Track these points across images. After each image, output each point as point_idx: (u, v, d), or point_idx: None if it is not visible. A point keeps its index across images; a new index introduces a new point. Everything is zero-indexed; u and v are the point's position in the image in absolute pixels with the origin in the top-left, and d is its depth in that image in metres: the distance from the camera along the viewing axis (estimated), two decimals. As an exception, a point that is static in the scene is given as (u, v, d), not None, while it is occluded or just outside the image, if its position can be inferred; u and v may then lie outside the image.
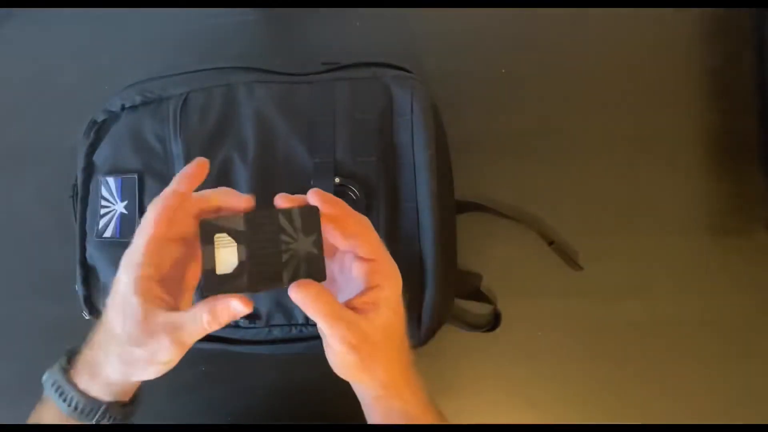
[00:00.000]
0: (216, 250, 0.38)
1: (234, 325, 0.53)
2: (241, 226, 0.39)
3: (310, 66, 0.55)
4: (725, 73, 0.64)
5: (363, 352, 0.39)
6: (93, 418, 0.41)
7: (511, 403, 0.62)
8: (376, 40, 0.66)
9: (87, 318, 0.55)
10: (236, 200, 0.39)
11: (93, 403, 0.41)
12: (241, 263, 0.38)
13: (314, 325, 0.52)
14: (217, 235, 0.38)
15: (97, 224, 0.54)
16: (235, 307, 0.37)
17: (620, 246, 0.62)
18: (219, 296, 0.37)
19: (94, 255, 0.54)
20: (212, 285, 0.38)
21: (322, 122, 0.52)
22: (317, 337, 0.53)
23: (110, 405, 0.41)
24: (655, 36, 0.64)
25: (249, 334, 0.53)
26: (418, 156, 0.52)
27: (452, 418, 0.61)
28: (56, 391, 0.41)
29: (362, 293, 0.40)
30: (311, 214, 0.39)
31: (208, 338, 0.53)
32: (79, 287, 0.54)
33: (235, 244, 0.38)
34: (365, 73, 0.54)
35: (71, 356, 0.43)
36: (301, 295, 0.37)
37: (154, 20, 0.67)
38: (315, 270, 0.39)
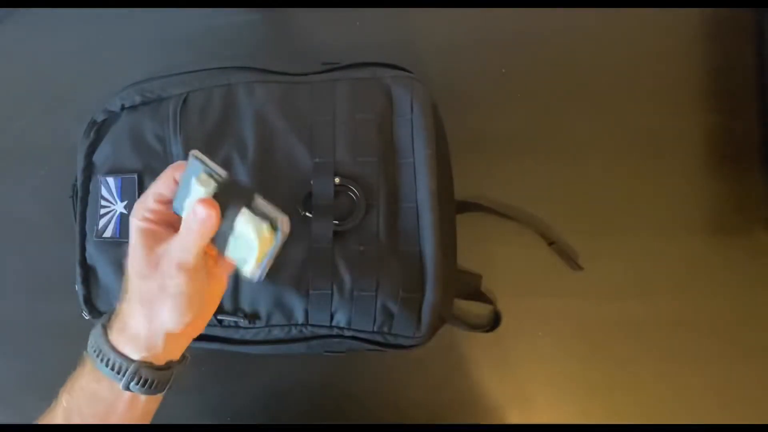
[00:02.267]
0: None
1: (234, 325, 0.53)
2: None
3: (310, 66, 0.55)
4: (725, 73, 0.64)
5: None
6: (123, 377, 0.41)
7: (511, 403, 0.62)
8: (376, 40, 0.66)
9: (87, 318, 0.55)
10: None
11: (123, 359, 0.41)
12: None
13: (314, 325, 0.52)
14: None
15: (97, 224, 0.53)
16: (197, 213, 0.39)
17: (620, 246, 0.62)
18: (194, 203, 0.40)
19: (93, 255, 0.54)
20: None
21: (322, 122, 0.52)
22: (317, 337, 0.53)
23: (141, 364, 0.41)
24: (655, 36, 0.64)
25: (249, 334, 0.53)
26: (418, 156, 0.52)
27: (452, 418, 0.62)
28: (93, 347, 0.43)
29: None
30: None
31: (208, 338, 0.54)
32: (79, 287, 0.54)
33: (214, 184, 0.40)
34: (365, 73, 0.54)
35: (112, 313, 0.44)
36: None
37: (154, 20, 0.67)
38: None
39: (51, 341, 0.64)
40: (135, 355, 0.42)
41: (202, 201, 0.39)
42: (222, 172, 0.40)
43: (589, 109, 0.64)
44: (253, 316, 0.52)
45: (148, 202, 0.42)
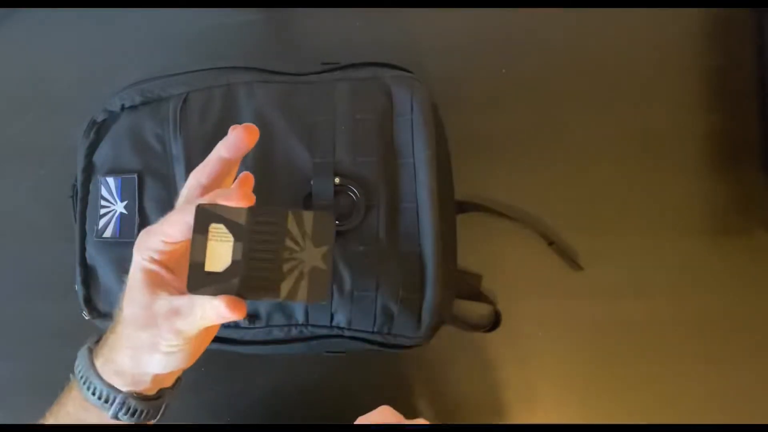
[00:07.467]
0: (208, 243, 0.33)
1: (234, 325, 0.53)
2: (242, 219, 0.34)
3: (310, 66, 0.55)
4: (725, 73, 0.64)
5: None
6: (111, 407, 0.39)
7: (511, 403, 0.62)
8: (376, 40, 0.66)
9: (87, 318, 0.55)
10: (234, 199, 0.35)
11: (110, 390, 0.39)
12: (234, 263, 0.34)
13: (314, 325, 0.52)
14: (212, 226, 0.34)
15: (97, 224, 0.53)
16: (221, 312, 0.33)
17: (620, 246, 0.62)
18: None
19: (93, 255, 0.54)
20: (197, 281, 0.34)
21: (322, 122, 0.52)
22: (317, 337, 0.53)
23: (129, 394, 0.39)
24: (656, 36, 0.64)
25: (249, 334, 0.53)
26: (418, 156, 0.52)
27: (452, 418, 0.62)
28: (79, 373, 0.40)
29: None
30: (326, 222, 0.34)
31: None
32: (79, 287, 0.54)
33: (232, 239, 0.33)
34: (365, 73, 0.54)
35: (100, 337, 0.42)
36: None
37: (154, 20, 0.67)
38: (317, 289, 0.34)
39: (51, 341, 0.64)
40: (122, 387, 0.39)
41: (232, 304, 0.33)
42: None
43: (589, 109, 0.64)
44: (253, 317, 0.52)
45: (154, 242, 0.37)
